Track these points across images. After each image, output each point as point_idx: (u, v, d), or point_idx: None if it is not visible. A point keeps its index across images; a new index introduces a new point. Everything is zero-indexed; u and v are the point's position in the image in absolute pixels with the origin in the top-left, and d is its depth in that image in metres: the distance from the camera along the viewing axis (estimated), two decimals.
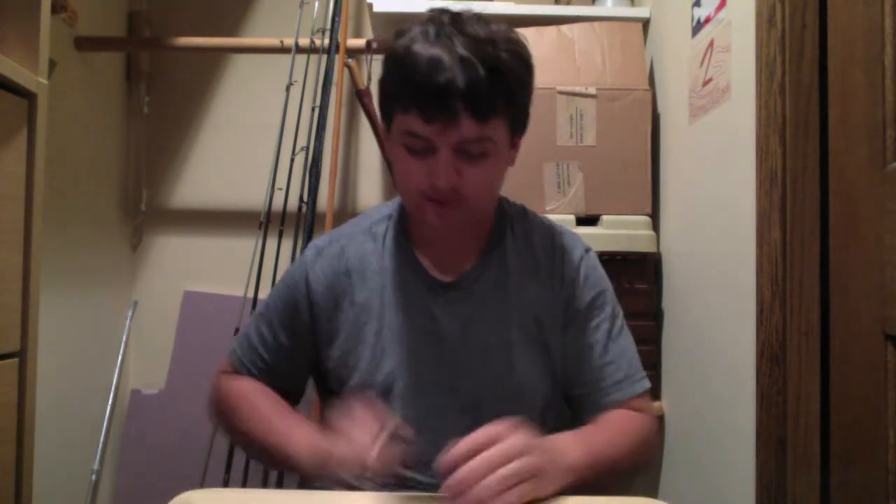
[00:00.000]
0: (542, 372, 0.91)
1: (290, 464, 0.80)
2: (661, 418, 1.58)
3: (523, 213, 1.01)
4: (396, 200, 0.99)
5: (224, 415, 0.96)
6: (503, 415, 0.80)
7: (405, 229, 0.96)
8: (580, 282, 0.93)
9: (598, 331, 0.92)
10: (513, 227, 0.97)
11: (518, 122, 0.88)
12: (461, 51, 0.77)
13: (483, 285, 0.92)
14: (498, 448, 0.66)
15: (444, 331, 0.90)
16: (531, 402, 0.90)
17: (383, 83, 0.87)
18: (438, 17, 0.82)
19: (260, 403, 0.91)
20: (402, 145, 0.83)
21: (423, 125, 0.79)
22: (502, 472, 0.65)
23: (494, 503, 0.63)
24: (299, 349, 0.95)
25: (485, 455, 0.65)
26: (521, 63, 0.83)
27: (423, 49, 0.78)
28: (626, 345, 0.93)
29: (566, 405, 0.96)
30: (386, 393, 0.88)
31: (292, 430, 0.83)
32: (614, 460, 0.82)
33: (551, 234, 0.97)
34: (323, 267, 0.94)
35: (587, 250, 0.97)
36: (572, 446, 0.77)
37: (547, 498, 0.69)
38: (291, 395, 0.97)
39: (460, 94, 0.76)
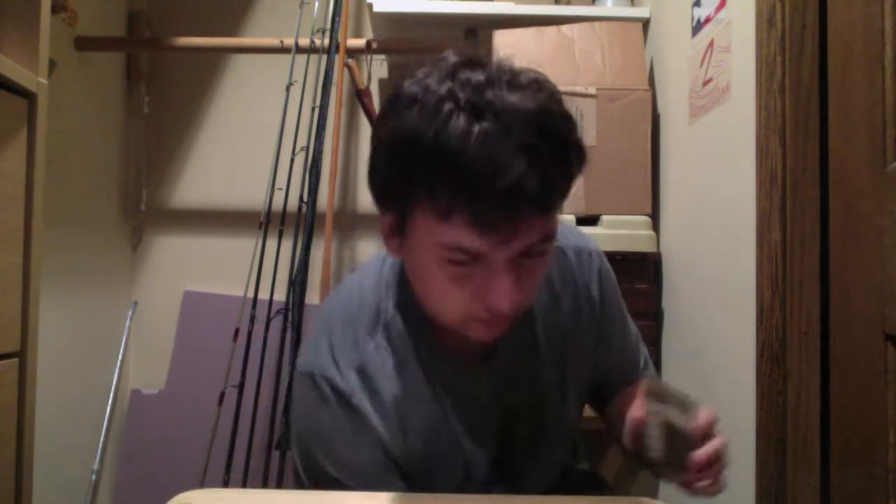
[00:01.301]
0: (574, 406, 0.87)
1: None
2: None
3: None
4: (387, 267, 0.80)
5: None
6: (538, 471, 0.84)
7: (420, 321, 0.76)
8: (607, 297, 0.86)
9: (624, 331, 0.93)
10: None
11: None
12: (518, 132, 0.56)
13: (511, 351, 0.79)
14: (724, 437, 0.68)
15: (483, 408, 0.79)
16: (566, 441, 0.90)
17: (390, 169, 0.63)
18: (465, 74, 0.60)
19: None
20: (439, 259, 0.63)
21: (477, 238, 0.59)
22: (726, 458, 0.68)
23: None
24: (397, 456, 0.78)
25: (721, 440, 0.67)
26: (574, 126, 0.63)
27: (466, 129, 0.56)
28: (634, 335, 0.96)
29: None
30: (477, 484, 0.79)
31: None
32: None
33: (566, 265, 0.84)
34: (373, 405, 0.75)
35: (599, 268, 0.87)
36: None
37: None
38: None
39: (531, 194, 0.57)
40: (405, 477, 0.76)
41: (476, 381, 0.78)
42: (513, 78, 0.60)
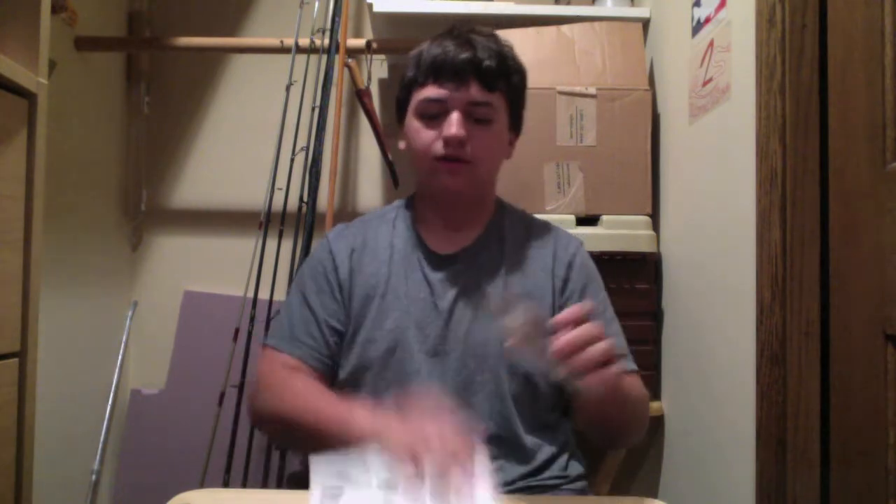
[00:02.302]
0: None
1: (352, 432, 0.82)
2: (660, 418, 1.58)
3: (521, 211, 1.14)
4: (404, 199, 1.13)
5: (270, 402, 0.97)
6: (491, 379, 0.97)
7: (412, 212, 1.09)
8: (574, 270, 1.04)
9: (595, 312, 0.94)
10: (511, 217, 1.10)
11: (515, 112, 1.05)
12: (470, 37, 0.98)
13: (479, 262, 1.03)
14: (598, 324, 0.75)
15: (440, 300, 1.00)
16: (515, 368, 0.97)
17: (404, 79, 1.04)
18: (453, 25, 1.02)
19: (310, 390, 0.96)
20: (418, 116, 1.00)
21: (438, 89, 0.97)
22: (603, 345, 0.73)
23: (599, 372, 0.73)
24: (335, 315, 1.02)
25: (589, 326, 0.74)
26: (519, 62, 1.04)
27: (439, 41, 0.99)
28: (618, 330, 1.03)
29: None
30: (387, 349, 0.97)
31: (352, 408, 0.88)
32: (630, 403, 0.92)
33: (546, 230, 1.10)
34: (343, 243, 1.06)
35: (580, 245, 1.09)
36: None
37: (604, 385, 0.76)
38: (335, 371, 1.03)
39: (470, 62, 0.96)
40: (329, 304, 1.02)
41: (438, 271, 1.02)
42: (489, 34, 1.02)
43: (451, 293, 1.00)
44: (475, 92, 0.97)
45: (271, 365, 1.00)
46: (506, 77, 1.00)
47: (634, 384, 0.97)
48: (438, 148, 0.97)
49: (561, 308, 0.98)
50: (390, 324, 0.99)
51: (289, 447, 1.04)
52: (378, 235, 1.07)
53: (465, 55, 0.96)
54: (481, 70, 0.97)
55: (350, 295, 1.02)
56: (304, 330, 1.01)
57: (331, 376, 1.01)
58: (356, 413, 0.86)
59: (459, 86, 0.96)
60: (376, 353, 0.97)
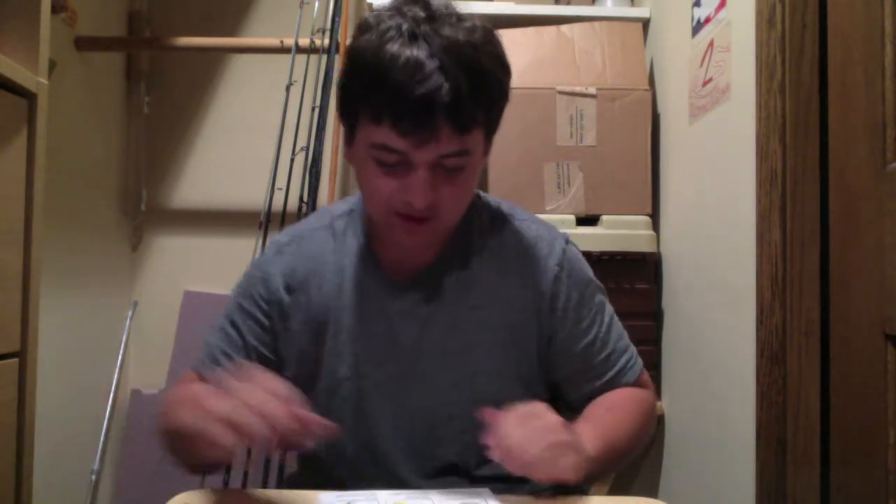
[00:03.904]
0: (509, 377, 0.87)
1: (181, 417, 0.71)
2: (661, 418, 1.58)
3: (496, 210, 0.92)
4: (359, 195, 0.91)
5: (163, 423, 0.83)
6: (459, 423, 0.84)
7: (364, 226, 0.90)
8: (563, 279, 0.87)
9: (594, 326, 0.89)
10: (480, 224, 0.90)
11: (494, 127, 0.83)
12: (441, 56, 0.70)
13: (443, 286, 0.87)
14: (546, 421, 0.71)
15: (400, 335, 0.86)
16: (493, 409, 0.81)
17: (346, 83, 0.78)
18: (411, 10, 0.73)
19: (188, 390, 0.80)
20: (372, 158, 0.76)
21: (398, 138, 0.72)
22: (552, 438, 0.70)
23: (547, 469, 0.68)
24: (267, 346, 0.89)
25: (537, 425, 0.70)
26: (502, 68, 0.78)
27: (398, 51, 0.70)
28: (619, 330, 0.92)
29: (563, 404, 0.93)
30: (352, 405, 0.86)
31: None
32: (625, 448, 0.84)
33: (523, 232, 0.90)
34: (281, 266, 0.89)
35: (566, 243, 0.91)
36: (591, 437, 0.76)
37: (571, 481, 0.71)
38: None
39: (442, 106, 0.70)
40: (258, 333, 0.88)
41: (390, 300, 0.86)
42: (457, 20, 0.74)
43: (413, 328, 0.86)
44: (446, 142, 0.73)
45: (178, 386, 0.88)
46: (487, 105, 0.76)
47: (638, 399, 0.89)
48: (396, 204, 0.77)
49: (550, 330, 0.88)
50: (344, 370, 0.86)
51: (177, 458, 0.90)
52: (324, 256, 0.89)
53: (431, 88, 0.69)
54: (455, 110, 0.71)
55: (286, 327, 0.87)
56: (225, 353, 0.88)
57: None
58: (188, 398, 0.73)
59: (426, 137, 0.72)
60: (342, 409, 0.86)
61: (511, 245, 0.89)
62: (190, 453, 0.76)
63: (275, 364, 0.88)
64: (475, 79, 0.72)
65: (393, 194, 0.76)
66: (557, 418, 0.73)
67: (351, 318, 0.86)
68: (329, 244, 0.90)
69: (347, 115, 0.80)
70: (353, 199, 0.94)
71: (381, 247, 0.88)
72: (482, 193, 0.94)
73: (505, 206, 0.93)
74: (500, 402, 0.76)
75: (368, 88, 0.73)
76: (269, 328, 0.88)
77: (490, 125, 0.80)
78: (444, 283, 0.86)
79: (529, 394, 0.85)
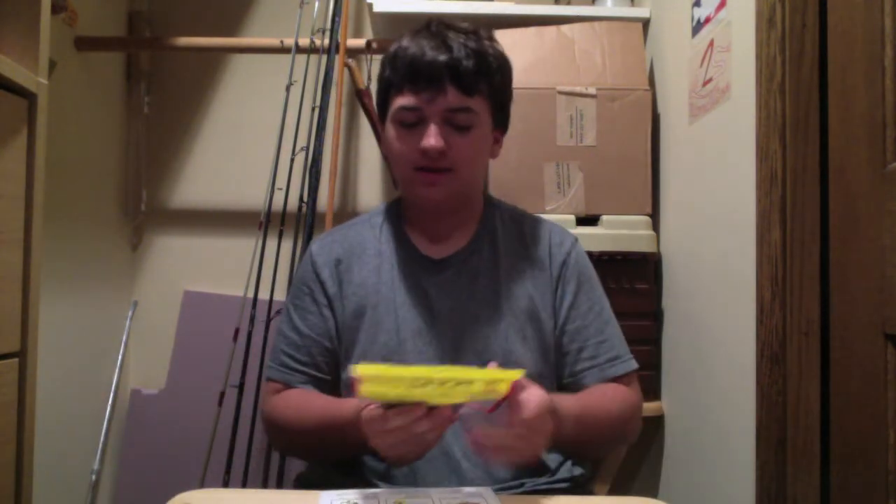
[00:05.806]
0: (534, 347, 0.98)
1: (349, 427, 0.83)
2: (661, 418, 1.58)
3: (512, 209, 1.10)
4: (390, 202, 1.09)
5: (281, 430, 0.99)
6: None
7: (400, 215, 1.06)
8: (570, 267, 1.02)
9: (591, 312, 1.01)
10: (502, 216, 1.06)
11: (499, 111, 1.00)
12: (448, 36, 0.93)
13: (474, 263, 1.00)
14: (531, 426, 0.76)
15: (436, 306, 0.98)
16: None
17: (381, 79, 0.99)
18: (430, 21, 0.97)
19: (306, 400, 0.97)
20: (397, 123, 0.95)
21: (413, 97, 0.92)
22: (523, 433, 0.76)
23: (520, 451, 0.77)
24: (325, 334, 1.01)
25: (519, 433, 0.75)
26: (502, 57, 0.98)
27: (415, 40, 0.94)
28: (616, 327, 1.02)
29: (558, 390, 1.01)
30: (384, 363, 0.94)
31: (342, 402, 0.92)
32: (602, 427, 0.93)
33: (540, 225, 1.07)
34: (326, 254, 1.02)
35: (575, 241, 1.06)
36: (568, 401, 0.88)
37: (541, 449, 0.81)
38: (336, 389, 1.03)
39: (446, 67, 0.91)
40: (317, 322, 1.00)
41: (432, 276, 1.00)
42: (464, 30, 0.96)
43: (448, 299, 0.98)
44: (453, 98, 0.92)
45: (270, 399, 1.01)
46: (487, 77, 0.95)
47: (623, 391, 0.98)
48: (416, 158, 0.93)
49: (558, 311, 1.00)
50: (384, 337, 0.97)
51: (307, 455, 1.05)
52: (365, 242, 1.03)
53: (441, 57, 0.91)
54: (459, 73, 0.91)
55: (342, 307, 1.00)
56: (294, 356, 1.00)
57: (331, 392, 1.01)
58: (345, 402, 0.89)
59: (436, 93, 0.91)
60: None
61: (529, 233, 1.05)
62: (332, 447, 0.93)
63: (336, 354, 1.01)
64: (476, 53, 0.93)
65: (413, 149, 0.93)
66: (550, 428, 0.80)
67: (389, 292, 0.99)
68: (369, 233, 1.05)
69: (383, 103, 0.99)
70: (384, 203, 1.10)
71: (415, 230, 1.03)
72: (493, 196, 1.11)
73: (518, 208, 1.11)
74: (527, 368, 0.86)
75: (394, 70, 0.95)
76: (329, 317, 1.00)
77: (494, 97, 0.97)
78: (475, 262, 1.01)
79: (546, 362, 0.99)
